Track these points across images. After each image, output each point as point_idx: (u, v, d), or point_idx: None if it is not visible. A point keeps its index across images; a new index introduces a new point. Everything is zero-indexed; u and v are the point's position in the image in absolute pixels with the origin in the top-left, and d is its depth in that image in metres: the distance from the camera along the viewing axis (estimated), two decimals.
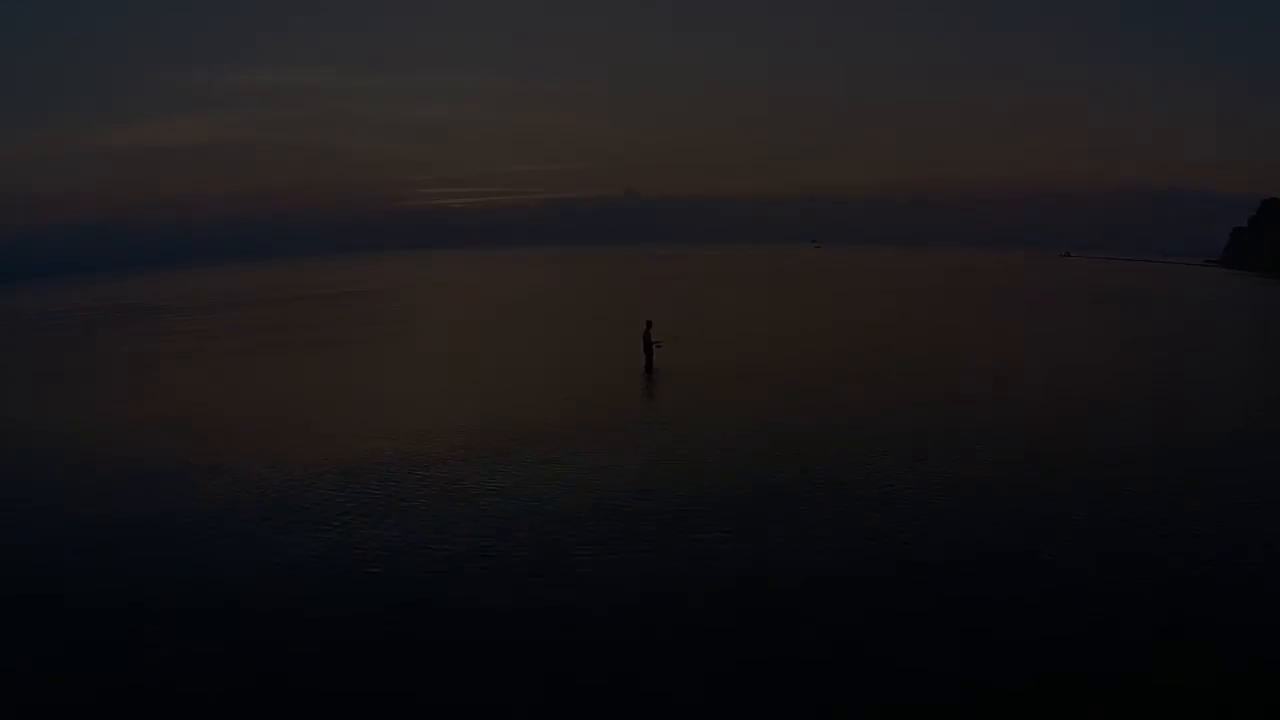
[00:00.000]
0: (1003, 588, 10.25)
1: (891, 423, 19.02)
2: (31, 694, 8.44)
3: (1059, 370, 26.70)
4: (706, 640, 9.09)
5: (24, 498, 15.31)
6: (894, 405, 20.91)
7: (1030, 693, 7.94)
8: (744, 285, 76.24)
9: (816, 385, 24.15)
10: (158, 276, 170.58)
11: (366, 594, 10.32)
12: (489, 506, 13.50)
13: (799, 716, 7.66)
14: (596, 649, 8.90)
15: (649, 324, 26.03)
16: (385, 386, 25.40)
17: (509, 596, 10.12)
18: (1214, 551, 11.24)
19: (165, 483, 15.44)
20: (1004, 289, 68.70)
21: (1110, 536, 11.88)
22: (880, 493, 13.92)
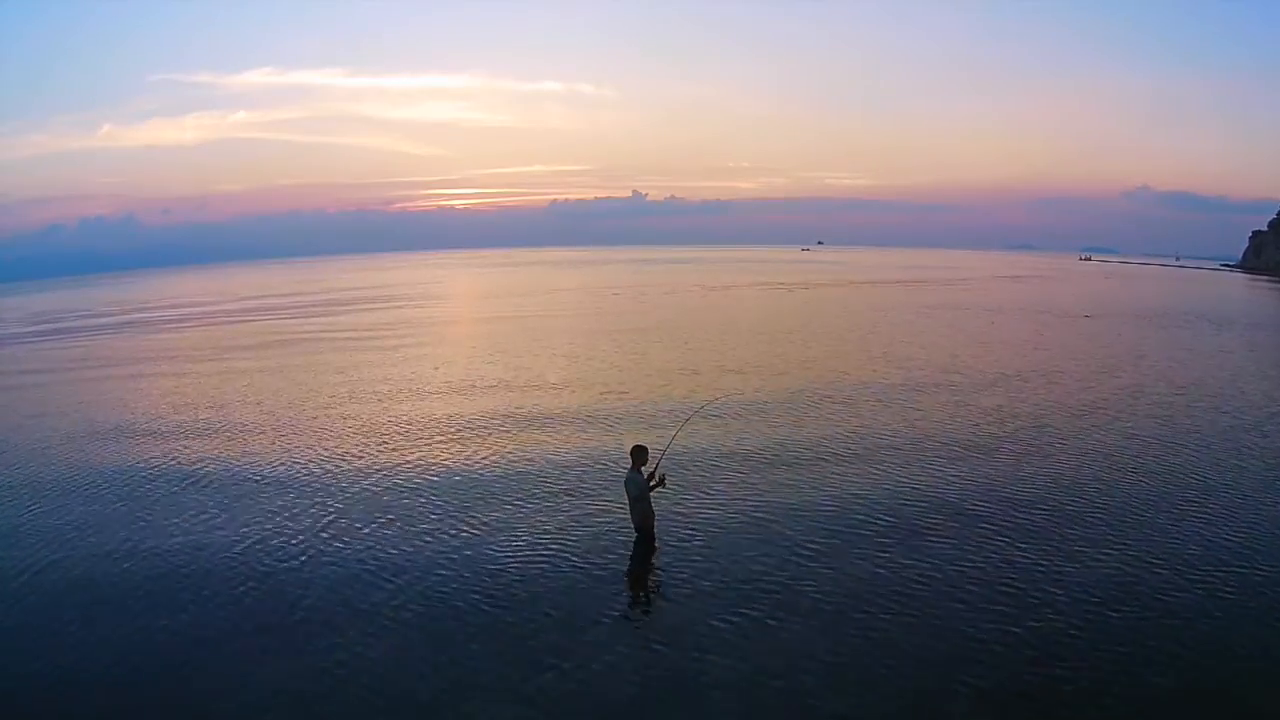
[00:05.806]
0: None
1: None
2: None
3: None
4: None
5: None
6: None
7: None
8: (781, 303, 57.22)
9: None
10: (189, 275, 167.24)
11: None
12: None
13: None
14: None
15: (638, 455, 11.50)
16: None
17: None
18: None
19: None
20: (1111, 307, 52.89)
21: None
22: None
